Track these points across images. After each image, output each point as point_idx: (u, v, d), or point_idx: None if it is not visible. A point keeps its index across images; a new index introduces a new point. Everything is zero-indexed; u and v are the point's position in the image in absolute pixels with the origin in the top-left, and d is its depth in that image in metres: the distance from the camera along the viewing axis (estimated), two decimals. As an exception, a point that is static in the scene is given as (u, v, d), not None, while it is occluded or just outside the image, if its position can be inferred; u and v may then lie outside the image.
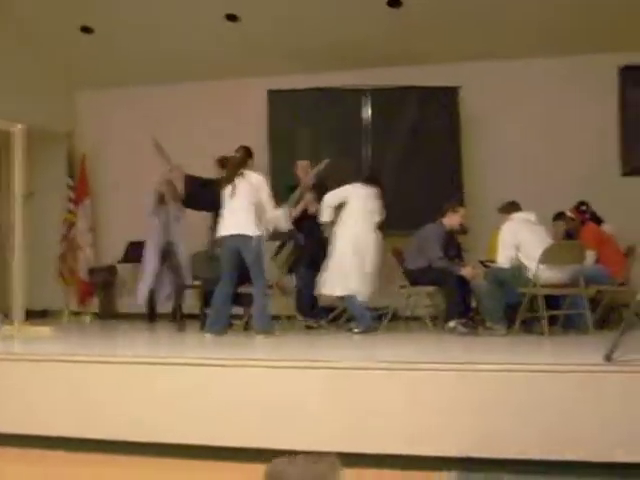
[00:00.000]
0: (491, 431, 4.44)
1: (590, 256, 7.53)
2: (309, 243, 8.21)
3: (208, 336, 7.02)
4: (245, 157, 7.33)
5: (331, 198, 7.88)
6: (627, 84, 4.77)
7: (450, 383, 4.59)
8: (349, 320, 8.21)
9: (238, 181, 7.15)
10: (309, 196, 8.29)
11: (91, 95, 11.26)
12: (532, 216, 7.46)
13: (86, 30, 10.05)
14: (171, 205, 8.76)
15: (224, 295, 7.16)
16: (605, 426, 4.31)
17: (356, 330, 7.60)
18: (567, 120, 9.73)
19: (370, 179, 8.05)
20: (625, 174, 4.98)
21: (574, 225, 8.09)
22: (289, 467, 1.83)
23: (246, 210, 7.10)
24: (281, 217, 7.45)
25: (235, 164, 7.28)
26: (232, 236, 7.07)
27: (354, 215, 7.77)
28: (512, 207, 7.58)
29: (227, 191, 7.19)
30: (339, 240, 7.72)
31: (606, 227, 8.23)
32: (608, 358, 4.58)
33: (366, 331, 7.52)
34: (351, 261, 7.64)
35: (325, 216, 7.88)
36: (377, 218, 7.90)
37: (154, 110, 10.89)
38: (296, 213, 8.18)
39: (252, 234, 7.02)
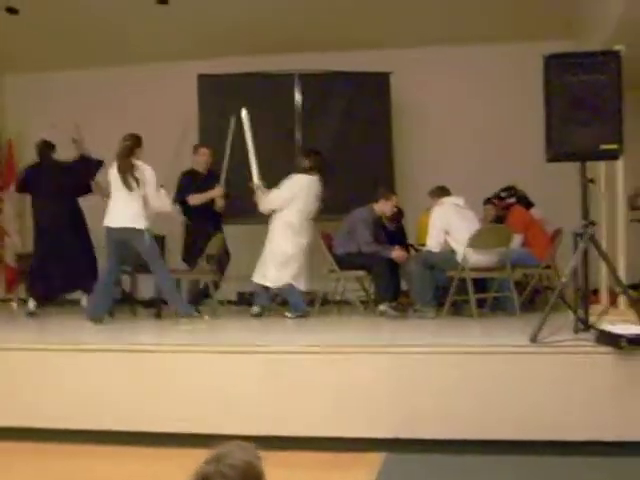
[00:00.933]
0: (420, 412, 4.52)
1: (516, 239, 7.69)
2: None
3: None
4: (133, 146, 7.15)
5: (287, 192, 7.86)
6: (552, 72, 4.85)
7: (380, 365, 4.66)
8: (284, 304, 8.25)
9: (128, 172, 7.06)
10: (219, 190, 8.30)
11: (17, 79, 11.02)
12: (461, 201, 7.57)
13: (11, 11, 9.81)
14: None
15: (106, 284, 7.20)
16: (530, 405, 4.43)
17: (289, 315, 7.66)
18: (495, 107, 9.89)
19: (313, 168, 8.07)
20: (549, 160, 5.08)
21: (499, 211, 8.27)
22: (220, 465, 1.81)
23: (135, 202, 7.06)
24: (165, 202, 7.41)
25: (122, 154, 7.11)
26: (119, 229, 7.03)
27: (295, 205, 7.83)
28: (442, 192, 7.69)
29: (116, 181, 7.11)
30: (278, 230, 7.80)
31: (534, 211, 8.40)
32: (533, 339, 4.70)
33: (301, 317, 7.61)
34: (292, 250, 7.76)
35: (276, 206, 7.93)
36: (314, 207, 7.97)
37: (82, 95, 10.71)
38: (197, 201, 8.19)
39: (141, 227, 7.01)
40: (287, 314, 7.71)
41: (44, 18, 9.78)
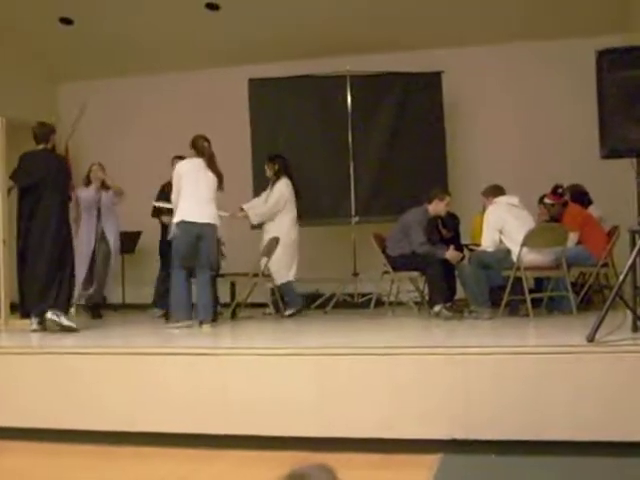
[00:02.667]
0: (476, 413, 4.48)
1: (572, 238, 7.57)
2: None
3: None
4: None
5: (282, 200, 8.36)
6: (605, 68, 4.78)
7: (434, 366, 4.63)
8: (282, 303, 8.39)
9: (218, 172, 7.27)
10: None
11: (73, 87, 11.23)
12: (515, 200, 7.49)
13: (65, 21, 10.01)
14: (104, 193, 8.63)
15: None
16: (588, 405, 4.37)
17: (288, 313, 8.10)
18: (548, 104, 9.80)
19: (282, 171, 8.49)
20: (604, 157, 5.00)
21: (555, 210, 8.13)
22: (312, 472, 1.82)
23: (214, 201, 7.24)
24: None
25: (213, 155, 7.24)
26: (202, 224, 7.12)
27: (288, 206, 8.40)
28: (496, 191, 7.61)
29: (195, 179, 7.16)
30: (285, 229, 8.35)
31: (592, 209, 8.26)
32: (591, 339, 4.63)
33: (298, 312, 8.15)
34: (291, 250, 8.38)
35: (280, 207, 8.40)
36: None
37: (134, 101, 10.88)
38: None
39: (217, 225, 7.24)
40: (286, 312, 8.10)
41: (97, 28, 9.96)
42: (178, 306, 7.11)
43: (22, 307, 6.90)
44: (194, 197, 7.05)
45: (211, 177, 7.14)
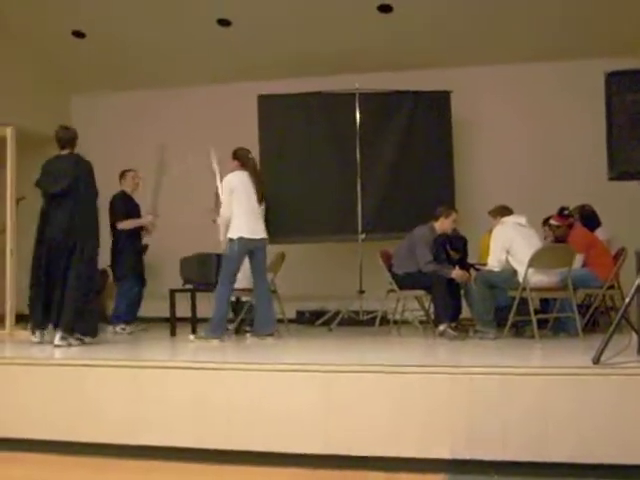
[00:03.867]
0: (480, 433, 4.47)
1: (577, 259, 7.56)
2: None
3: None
4: None
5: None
6: (614, 90, 4.79)
7: (438, 385, 4.62)
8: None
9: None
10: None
11: (86, 99, 11.30)
12: (523, 220, 7.49)
13: (78, 35, 10.08)
14: None
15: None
16: (592, 428, 4.35)
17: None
18: (556, 124, 9.83)
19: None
20: (612, 179, 5.00)
21: (561, 231, 8.12)
22: None
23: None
24: None
25: (257, 167, 7.45)
26: (259, 240, 7.20)
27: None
28: (503, 211, 7.61)
29: (247, 192, 7.19)
30: None
31: (599, 231, 8.24)
32: (596, 361, 4.62)
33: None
34: None
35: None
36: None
37: (144, 114, 10.93)
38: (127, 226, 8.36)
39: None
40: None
41: (109, 41, 10.02)
42: (222, 321, 7.08)
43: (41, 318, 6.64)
44: (250, 213, 7.11)
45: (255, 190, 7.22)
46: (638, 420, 4.32)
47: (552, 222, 8.08)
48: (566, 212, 8.07)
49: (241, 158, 7.26)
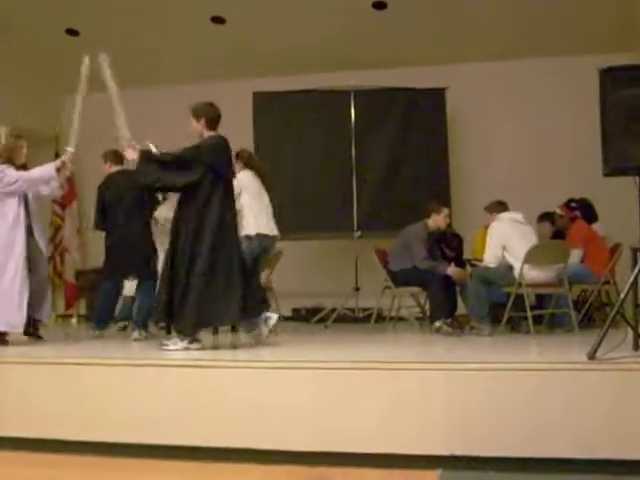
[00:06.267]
0: (475, 429, 4.48)
1: (576, 254, 7.57)
2: None
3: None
4: None
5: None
6: (607, 86, 4.79)
7: (434, 381, 4.62)
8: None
9: None
10: None
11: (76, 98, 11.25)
12: (519, 216, 7.50)
13: (71, 32, 10.06)
14: None
15: None
16: (588, 423, 4.36)
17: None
18: (551, 121, 9.84)
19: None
20: (607, 174, 5.01)
21: (563, 222, 8.13)
22: None
23: None
24: None
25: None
26: (273, 237, 7.34)
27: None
28: (499, 206, 7.63)
29: (257, 190, 7.30)
30: None
31: (596, 226, 8.27)
32: (591, 356, 4.62)
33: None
34: None
35: None
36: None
37: (139, 113, 10.87)
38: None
39: None
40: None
41: (103, 39, 9.97)
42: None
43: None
44: (265, 210, 7.26)
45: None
46: (634, 415, 4.32)
47: (557, 211, 8.11)
48: (573, 204, 8.10)
49: (243, 158, 7.34)
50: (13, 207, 6.51)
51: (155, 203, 7.54)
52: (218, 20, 9.72)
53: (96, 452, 4.85)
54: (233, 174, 6.38)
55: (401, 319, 8.50)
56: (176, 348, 5.81)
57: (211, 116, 6.32)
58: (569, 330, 7.09)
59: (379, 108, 9.79)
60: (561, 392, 4.45)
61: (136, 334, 7.12)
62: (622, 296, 4.87)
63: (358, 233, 9.52)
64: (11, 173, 6.51)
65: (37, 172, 6.61)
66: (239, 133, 9.53)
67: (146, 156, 6.18)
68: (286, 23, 9.60)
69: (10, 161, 6.59)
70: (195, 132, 6.23)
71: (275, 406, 4.74)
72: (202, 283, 5.71)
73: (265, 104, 9.75)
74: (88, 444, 4.91)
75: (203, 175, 5.87)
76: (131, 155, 6.22)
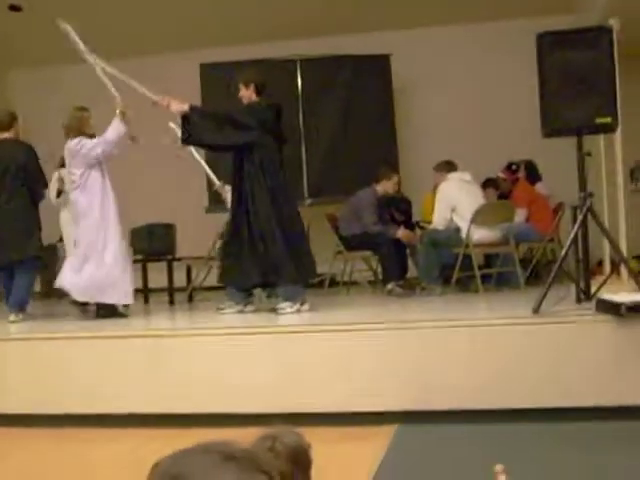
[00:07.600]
0: (431, 384, 4.65)
1: (520, 214, 7.78)
2: None
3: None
4: None
5: None
6: (545, 50, 4.94)
7: (389, 341, 4.78)
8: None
9: None
10: None
11: (21, 74, 11.17)
12: (467, 176, 7.62)
13: (14, 8, 9.94)
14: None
15: None
16: (535, 374, 4.56)
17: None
18: (494, 84, 10.00)
19: None
20: (546, 135, 5.18)
21: (506, 186, 8.34)
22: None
23: None
24: None
25: None
26: None
27: None
28: (448, 166, 7.73)
29: None
30: None
31: (539, 186, 8.48)
32: (536, 310, 4.81)
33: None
34: None
35: None
36: None
37: (85, 88, 10.78)
38: None
39: None
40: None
41: (46, 14, 9.86)
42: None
43: None
44: None
45: None
46: (576, 364, 4.54)
47: (499, 175, 8.30)
48: (514, 167, 8.29)
49: None
50: (98, 180, 6.47)
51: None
52: (161, -8, 9.67)
53: (57, 424, 4.93)
54: (284, 137, 6.46)
55: (354, 283, 8.65)
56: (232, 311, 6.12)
57: (259, 82, 6.49)
58: (516, 287, 7.30)
59: (325, 76, 9.86)
60: (509, 346, 4.65)
61: (12, 317, 6.46)
62: (563, 252, 5.06)
63: (309, 200, 9.62)
64: (87, 141, 6.50)
65: (109, 133, 6.57)
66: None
67: (199, 110, 6.48)
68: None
69: (82, 133, 6.57)
70: (244, 98, 6.43)
71: (234, 371, 4.87)
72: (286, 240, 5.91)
73: (212, 75, 9.75)
74: (49, 417, 4.99)
75: (259, 135, 6.06)
76: (178, 107, 6.29)
